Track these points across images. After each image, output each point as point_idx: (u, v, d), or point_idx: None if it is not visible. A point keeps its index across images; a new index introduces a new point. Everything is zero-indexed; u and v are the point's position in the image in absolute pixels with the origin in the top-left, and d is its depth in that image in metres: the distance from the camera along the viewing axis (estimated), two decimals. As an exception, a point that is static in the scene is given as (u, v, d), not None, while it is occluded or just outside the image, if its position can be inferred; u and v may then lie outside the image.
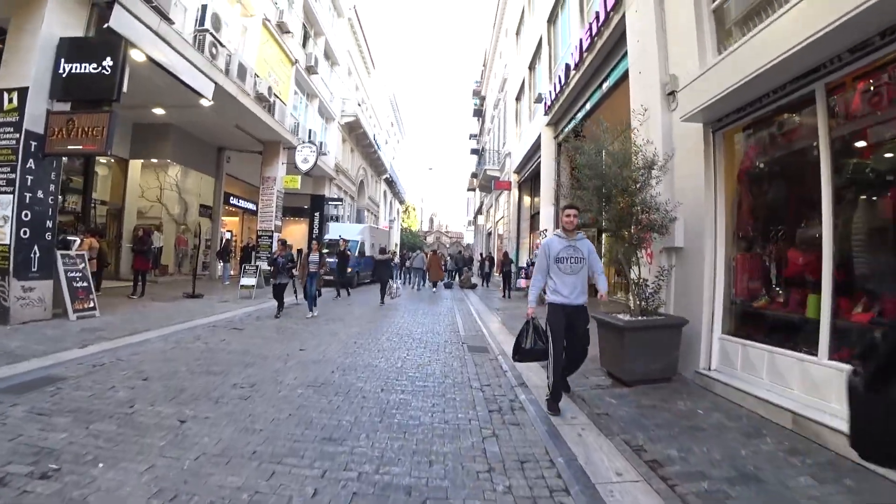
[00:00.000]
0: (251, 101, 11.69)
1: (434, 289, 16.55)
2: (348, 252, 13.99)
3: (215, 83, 9.83)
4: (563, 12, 11.53)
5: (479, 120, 38.15)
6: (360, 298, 12.66)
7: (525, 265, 14.95)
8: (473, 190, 44.07)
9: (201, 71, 9.29)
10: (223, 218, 18.37)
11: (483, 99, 33.50)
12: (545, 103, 11.69)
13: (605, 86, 8.52)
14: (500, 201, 23.02)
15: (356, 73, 26.19)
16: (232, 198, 17.57)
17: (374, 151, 30.70)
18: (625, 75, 7.25)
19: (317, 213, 21.62)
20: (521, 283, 14.39)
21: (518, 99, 17.24)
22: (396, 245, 50.33)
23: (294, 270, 9.02)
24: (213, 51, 9.62)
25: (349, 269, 14.86)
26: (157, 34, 7.62)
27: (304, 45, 16.46)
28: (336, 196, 23.10)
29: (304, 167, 14.88)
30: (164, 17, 7.96)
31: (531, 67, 14.78)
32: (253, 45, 12.23)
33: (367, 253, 17.82)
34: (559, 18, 11.87)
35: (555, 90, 10.69)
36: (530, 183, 16.74)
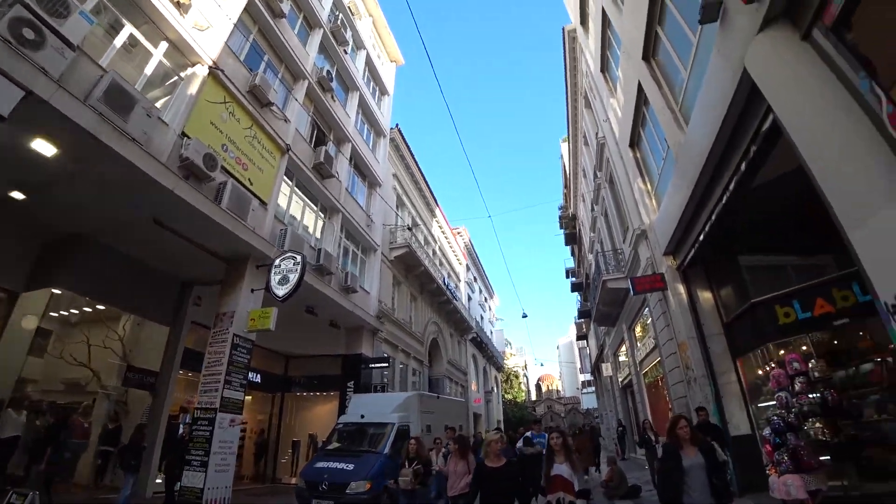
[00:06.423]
0: (151, 161, 6.48)
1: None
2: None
3: (28, 91, 4.77)
4: None
5: (573, 249, 31.51)
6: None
7: (774, 425, 5.79)
8: (584, 337, 34.18)
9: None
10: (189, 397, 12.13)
11: (574, 218, 27.06)
12: None
13: None
14: (636, 331, 14.33)
15: (411, 204, 22.08)
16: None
17: (449, 301, 23.97)
18: None
19: (350, 384, 13.94)
20: (787, 485, 4.87)
21: (634, 143, 10.38)
22: (499, 422, 37.95)
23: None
24: (30, 35, 4.83)
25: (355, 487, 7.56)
26: None
27: (313, 145, 12.32)
28: (383, 355, 15.65)
29: (280, 291, 8.72)
30: None
31: (647, 57, 8.05)
32: (186, 97, 7.73)
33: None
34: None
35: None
36: (708, 260, 8.22)
